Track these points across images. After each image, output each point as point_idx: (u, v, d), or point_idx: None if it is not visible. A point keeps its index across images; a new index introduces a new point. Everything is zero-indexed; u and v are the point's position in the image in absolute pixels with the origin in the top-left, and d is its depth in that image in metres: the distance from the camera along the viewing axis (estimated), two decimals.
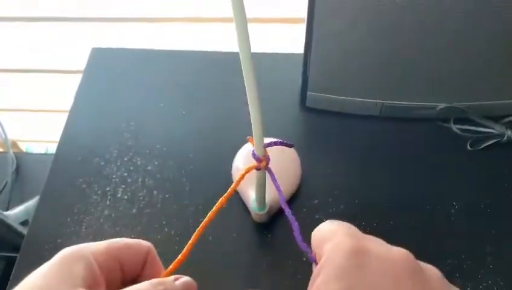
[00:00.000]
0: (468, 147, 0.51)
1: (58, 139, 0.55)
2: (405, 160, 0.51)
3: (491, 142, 0.51)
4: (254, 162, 0.34)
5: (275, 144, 0.34)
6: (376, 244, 0.21)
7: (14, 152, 0.95)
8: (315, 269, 0.21)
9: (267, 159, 0.33)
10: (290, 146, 0.35)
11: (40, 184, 0.51)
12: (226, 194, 0.28)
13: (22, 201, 0.82)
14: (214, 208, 0.27)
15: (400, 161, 0.51)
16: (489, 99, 0.52)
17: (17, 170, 0.89)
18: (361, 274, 0.19)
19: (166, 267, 0.28)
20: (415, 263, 0.20)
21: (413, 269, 0.20)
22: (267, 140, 0.34)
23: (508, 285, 0.43)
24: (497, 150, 0.51)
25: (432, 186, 0.49)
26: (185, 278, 0.26)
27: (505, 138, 0.51)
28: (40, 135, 1.12)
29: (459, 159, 0.51)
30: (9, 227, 0.71)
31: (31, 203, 0.80)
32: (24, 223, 0.75)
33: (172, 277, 0.25)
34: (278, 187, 0.31)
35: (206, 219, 0.27)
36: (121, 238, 0.25)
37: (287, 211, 0.28)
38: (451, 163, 0.51)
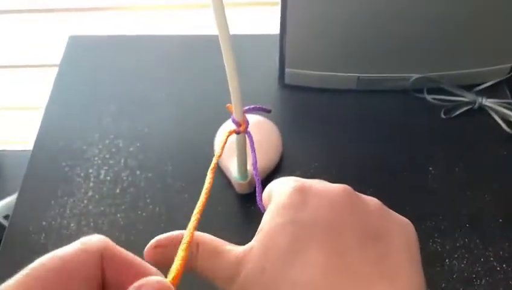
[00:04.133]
0: (442, 115, 0.53)
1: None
2: (382, 130, 0.53)
3: (463, 109, 0.53)
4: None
5: (254, 109, 0.35)
6: (317, 184, 0.23)
7: None
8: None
9: (246, 123, 0.34)
10: (268, 111, 0.36)
11: (20, 180, 0.50)
12: (212, 165, 0.26)
13: (2, 198, 0.80)
14: (206, 185, 0.24)
15: (377, 131, 0.53)
16: (460, 68, 0.54)
17: None
18: (303, 208, 0.21)
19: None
20: (353, 194, 0.23)
21: (350, 200, 0.22)
22: (246, 107, 0.35)
23: (484, 242, 0.44)
24: (469, 117, 0.53)
25: (409, 154, 0.51)
26: (150, 283, 0.17)
27: (476, 105, 0.53)
28: (18, 134, 1.10)
29: (433, 127, 0.53)
30: None
31: (12, 198, 0.79)
32: (6, 217, 0.74)
33: (132, 287, 0.17)
34: (253, 149, 0.32)
35: (200, 205, 0.23)
36: (54, 252, 0.18)
37: (255, 172, 0.29)
38: (426, 131, 0.53)
